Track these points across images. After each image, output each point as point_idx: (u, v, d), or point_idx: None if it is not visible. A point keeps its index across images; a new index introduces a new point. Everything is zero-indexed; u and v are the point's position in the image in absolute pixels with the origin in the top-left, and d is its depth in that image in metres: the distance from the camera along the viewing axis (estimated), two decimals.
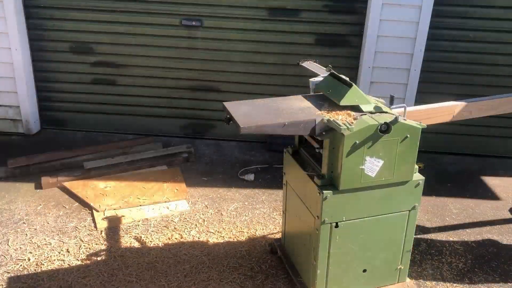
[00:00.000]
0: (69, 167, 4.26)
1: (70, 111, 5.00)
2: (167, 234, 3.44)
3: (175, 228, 3.52)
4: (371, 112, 2.46)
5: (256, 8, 4.56)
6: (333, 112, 2.45)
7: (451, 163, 4.77)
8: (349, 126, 2.28)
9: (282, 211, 3.09)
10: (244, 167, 4.45)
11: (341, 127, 2.27)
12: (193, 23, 4.62)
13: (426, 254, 3.39)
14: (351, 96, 2.48)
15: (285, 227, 3.08)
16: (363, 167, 2.39)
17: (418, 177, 2.57)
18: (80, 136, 4.90)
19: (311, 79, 2.91)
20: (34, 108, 4.90)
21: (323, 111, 2.46)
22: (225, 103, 2.64)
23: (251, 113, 2.48)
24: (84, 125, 5.03)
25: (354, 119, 2.37)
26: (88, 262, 3.13)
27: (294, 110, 2.51)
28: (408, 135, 2.40)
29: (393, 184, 2.50)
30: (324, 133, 2.39)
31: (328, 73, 2.84)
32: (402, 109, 2.51)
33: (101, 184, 3.99)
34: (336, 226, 2.49)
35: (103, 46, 4.74)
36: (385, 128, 2.35)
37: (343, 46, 4.67)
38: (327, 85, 2.71)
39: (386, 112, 2.47)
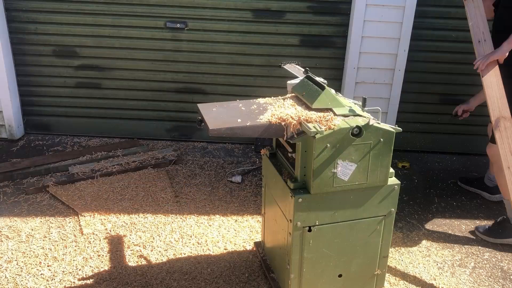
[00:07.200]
0: (54, 172, 4.24)
1: (54, 115, 4.96)
2: (152, 239, 3.42)
3: (160, 233, 3.50)
4: (344, 115, 2.44)
5: (241, 9, 4.54)
6: None
7: (438, 162, 4.74)
8: (319, 129, 2.26)
9: (262, 214, 3.07)
10: (231, 169, 4.44)
11: (311, 130, 2.25)
12: (178, 25, 4.60)
13: (418, 253, 3.37)
14: (324, 99, 2.46)
15: (264, 230, 3.07)
16: (335, 170, 2.37)
17: (394, 181, 2.53)
18: (65, 140, 4.88)
19: (288, 81, 2.90)
20: (17, 113, 4.86)
21: None
22: (199, 105, 2.62)
23: (223, 115, 2.46)
24: (69, 129, 4.99)
25: None
26: (74, 268, 3.11)
27: (267, 113, 2.49)
28: (382, 139, 2.38)
29: (368, 189, 2.48)
30: (295, 136, 2.38)
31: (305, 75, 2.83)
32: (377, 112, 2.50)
33: (87, 189, 3.97)
34: (309, 230, 2.47)
35: (87, 49, 4.70)
36: (357, 132, 2.34)
37: (328, 47, 4.65)
38: (302, 87, 2.69)
39: (360, 115, 2.45)
